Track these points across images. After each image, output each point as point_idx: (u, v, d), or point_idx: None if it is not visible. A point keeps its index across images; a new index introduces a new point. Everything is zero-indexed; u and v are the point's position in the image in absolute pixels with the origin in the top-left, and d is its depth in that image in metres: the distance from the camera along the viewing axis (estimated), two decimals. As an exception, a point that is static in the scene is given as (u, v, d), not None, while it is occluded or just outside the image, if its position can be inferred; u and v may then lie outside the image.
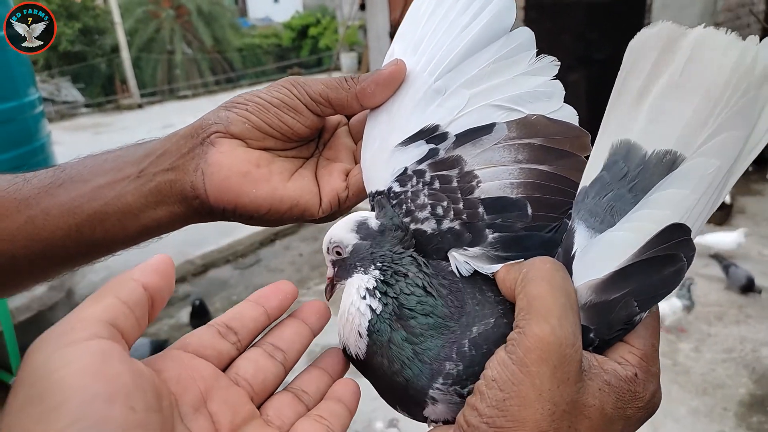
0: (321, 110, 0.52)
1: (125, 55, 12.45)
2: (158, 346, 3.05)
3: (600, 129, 0.41)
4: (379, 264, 0.43)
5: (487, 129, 0.46)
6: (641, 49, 0.39)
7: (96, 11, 13.58)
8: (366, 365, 0.42)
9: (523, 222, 0.43)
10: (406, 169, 0.47)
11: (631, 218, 0.37)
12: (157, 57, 14.07)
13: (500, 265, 0.42)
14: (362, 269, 0.43)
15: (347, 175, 0.54)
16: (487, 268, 0.42)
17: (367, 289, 0.42)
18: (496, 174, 0.44)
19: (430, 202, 0.45)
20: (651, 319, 0.38)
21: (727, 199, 4.32)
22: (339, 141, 0.56)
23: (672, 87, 0.39)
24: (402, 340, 0.40)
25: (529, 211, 0.43)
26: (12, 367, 3.09)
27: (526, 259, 0.40)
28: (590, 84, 7.97)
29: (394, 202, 0.46)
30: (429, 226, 0.44)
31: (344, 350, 0.43)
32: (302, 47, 16.68)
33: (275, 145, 0.52)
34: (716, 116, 0.37)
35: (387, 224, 0.45)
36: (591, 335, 0.37)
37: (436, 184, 0.45)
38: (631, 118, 0.40)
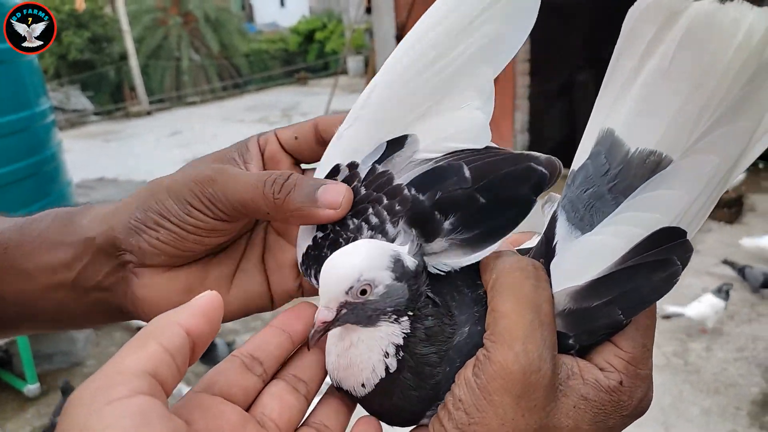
0: (245, 217, 0.44)
1: (133, 63, 12.54)
2: (229, 345, 3.19)
3: (594, 105, 0.38)
4: (411, 314, 0.37)
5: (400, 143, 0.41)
6: (638, 21, 0.35)
7: (104, 19, 13.68)
8: (362, 400, 0.40)
9: (464, 187, 0.38)
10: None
11: (613, 221, 0.34)
12: (165, 64, 14.16)
13: (476, 255, 0.38)
14: (392, 318, 0.36)
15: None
16: (463, 261, 0.38)
17: (395, 345, 0.37)
18: (411, 170, 0.40)
19: (358, 220, 0.40)
20: (644, 317, 0.35)
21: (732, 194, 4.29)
22: None
23: (661, 74, 0.34)
24: (409, 388, 0.37)
25: (467, 173, 0.38)
26: (26, 375, 3.12)
27: (496, 236, 0.37)
28: (600, 85, 7.93)
29: (327, 244, 0.41)
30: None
31: (337, 388, 0.40)
32: (309, 52, 16.72)
33: (203, 254, 0.45)
34: (714, 109, 0.33)
35: (420, 264, 0.38)
36: (570, 341, 0.34)
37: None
38: (619, 105, 0.36)
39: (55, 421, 2.29)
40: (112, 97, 13.47)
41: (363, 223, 0.40)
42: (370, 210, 0.40)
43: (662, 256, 0.33)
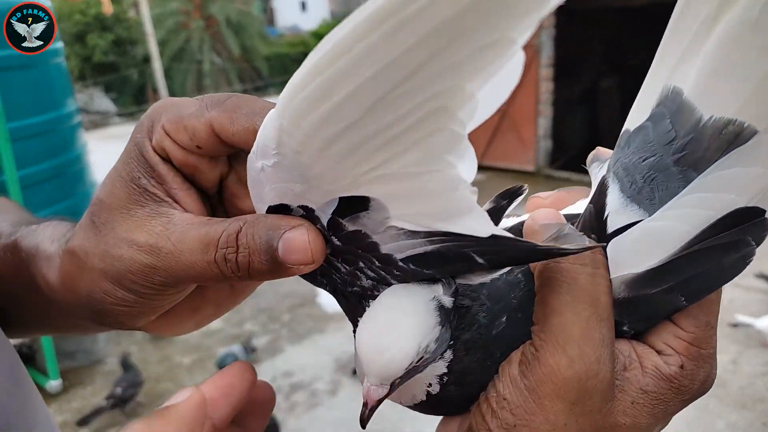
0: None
1: (156, 66, 12.70)
2: (250, 349, 3.25)
3: (654, 58, 0.32)
4: (451, 342, 0.33)
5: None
6: None
7: (129, 23, 13.90)
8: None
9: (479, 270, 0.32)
10: None
11: (680, 203, 0.29)
12: (187, 67, 14.32)
13: (516, 220, 0.35)
14: (434, 360, 0.33)
15: None
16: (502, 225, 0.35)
17: (438, 376, 0.33)
18: (398, 241, 0.31)
19: (350, 267, 0.33)
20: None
21: None
22: None
23: (747, 25, 0.27)
24: (454, 398, 0.34)
25: (479, 259, 0.30)
26: (48, 371, 3.16)
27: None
28: (624, 91, 7.87)
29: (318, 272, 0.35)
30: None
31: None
32: (329, 56, 16.78)
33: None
34: None
35: (453, 291, 0.33)
36: (624, 328, 0.31)
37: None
38: (688, 60, 0.30)
39: (117, 391, 2.34)
40: (135, 99, 13.66)
41: (357, 272, 0.33)
42: (362, 264, 0.32)
43: (735, 237, 0.28)
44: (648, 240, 0.30)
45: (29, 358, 3.38)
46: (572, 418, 0.29)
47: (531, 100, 5.86)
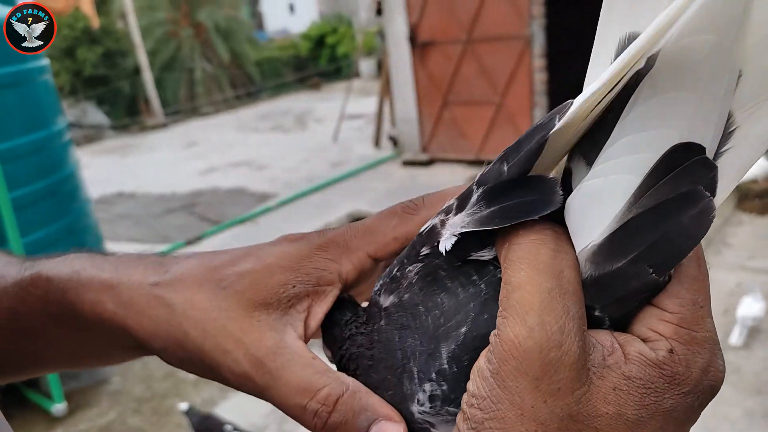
0: None
1: (147, 76, 12.70)
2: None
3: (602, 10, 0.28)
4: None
5: None
6: None
7: (117, 34, 13.87)
8: None
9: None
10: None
11: (610, 154, 0.27)
12: (178, 75, 14.31)
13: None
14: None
15: None
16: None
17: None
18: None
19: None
20: (689, 268, 0.28)
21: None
22: None
23: None
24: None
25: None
26: (52, 394, 3.13)
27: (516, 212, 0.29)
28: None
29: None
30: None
31: None
32: (320, 56, 16.79)
33: None
34: None
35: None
36: (596, 313, 0.28)
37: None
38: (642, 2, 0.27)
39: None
40: (127, 111, 13.64)
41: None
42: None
43: (683, 186, 0.25)
44: (592, 202, 0.27)
45: (33, 382, 3.35)
46: (539, 399, 0.26)
47: (525, 91, 5.83)
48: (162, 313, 0.36)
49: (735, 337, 3.01)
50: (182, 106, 14.04)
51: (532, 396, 0.26)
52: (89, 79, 13.28)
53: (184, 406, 2.74)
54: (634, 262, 0.26)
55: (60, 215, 3.21)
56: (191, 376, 3.39)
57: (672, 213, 0.25)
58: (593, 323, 0.28)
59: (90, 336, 0.40)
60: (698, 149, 0.25)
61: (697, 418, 0.27)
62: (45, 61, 3.29)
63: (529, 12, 5.54)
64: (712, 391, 0.27)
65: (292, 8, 23.12)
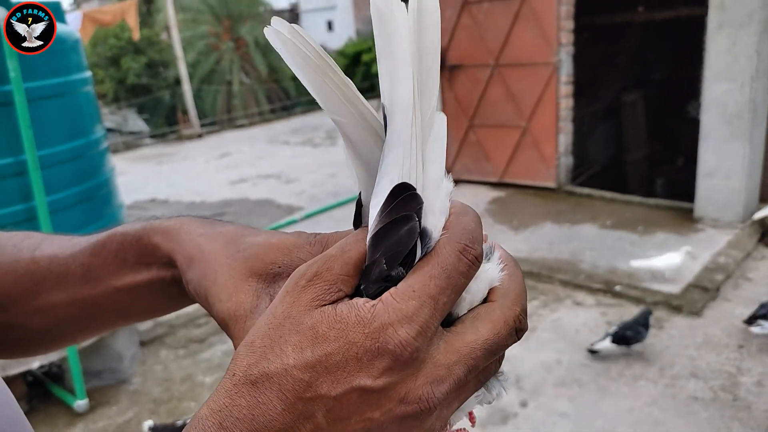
0: None
1: (186, 87, 13.00)
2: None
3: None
4: None
5: None
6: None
7: (161, 45, 14.29)
8: None
9: None
10: None
11: (377, 184, 0.38)
12: (216, 88, 14.63)
13: None
14: None
15: None
16: None
17: None
18: None
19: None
20: (425, 264, 0.36)
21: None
22: None
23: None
24: None
25: None
26: (75, 390, 3.26)
27: None
28: (648, 104, 7.77)
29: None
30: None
31: None
32: (355, 74, 16.97)
33: None
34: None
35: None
36: (361, 288, 0.38)
37: None
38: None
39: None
40: (166, 120, 14.00)
41: None
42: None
43: (402, 212, 0.36)
44: (369, 213, 0.38)
45: (58, 377, 3.49)
46: (280, 301, 0.37)
47: (551, 117, 5.84)
48: (197, 254, 0.46)
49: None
50: (218, 118, 14.33)
51: (280, 300, 0.37)
52: (132, 87, 13.70)
53: (149, 423, 2.93)
54: (381, 256, 0.37)
55: (93, 219, 3.35)
56: (208, 381, 3.49)
57: (398, 228, 0.37)
58: (360, 296, 0.37)
59: (148, 275, 0.50)
60: (411, 187, 0.37)
61: (377, 363, 0.34)
62: (87, 74, 3.46)
63: (558, 39, 5.57)
64: (387, 349, 0.34)
65: (330, 25, 23.49)
